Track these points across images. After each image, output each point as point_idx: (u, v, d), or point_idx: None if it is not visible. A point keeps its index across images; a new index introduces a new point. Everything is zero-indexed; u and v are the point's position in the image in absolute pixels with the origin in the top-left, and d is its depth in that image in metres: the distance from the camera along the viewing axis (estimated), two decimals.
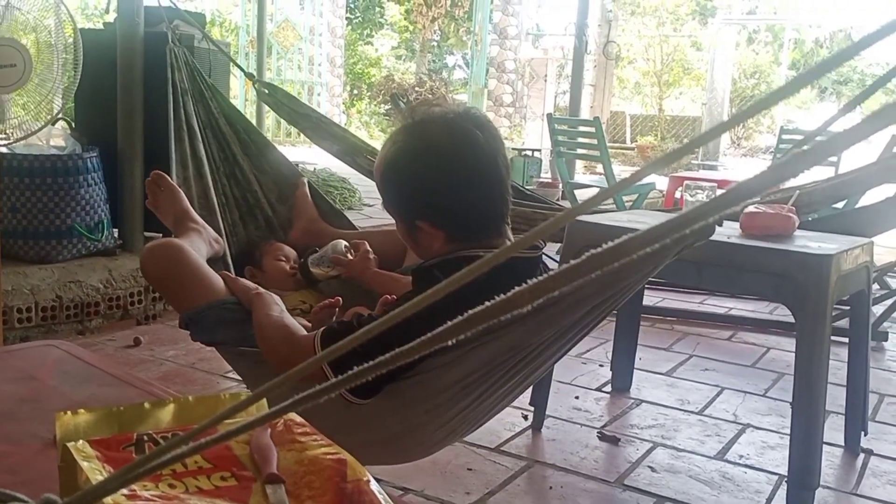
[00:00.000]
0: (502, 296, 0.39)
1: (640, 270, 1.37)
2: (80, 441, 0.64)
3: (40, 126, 3.23)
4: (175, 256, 1.69)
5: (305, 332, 1.52)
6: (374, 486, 0.64)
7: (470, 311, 0.40)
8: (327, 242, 2.06)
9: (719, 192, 0.35)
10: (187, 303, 1.69)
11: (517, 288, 0.39)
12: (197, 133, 2.42)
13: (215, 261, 1.97)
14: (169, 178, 2.04)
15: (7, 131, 3.28)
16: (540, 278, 0.39)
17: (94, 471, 0.61)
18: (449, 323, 0.40)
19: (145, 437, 0.66)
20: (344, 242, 1.99)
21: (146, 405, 0.70)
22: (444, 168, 1.43)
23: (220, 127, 2.48)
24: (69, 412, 0.67)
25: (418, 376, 1.38)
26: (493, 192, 1.46)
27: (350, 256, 1.95)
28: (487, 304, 0.39)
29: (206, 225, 2.01)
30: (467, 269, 0.39)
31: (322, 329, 1.46)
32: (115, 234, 3.32)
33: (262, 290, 1.69)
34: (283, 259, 2.09)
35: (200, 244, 1.89)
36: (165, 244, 1.75)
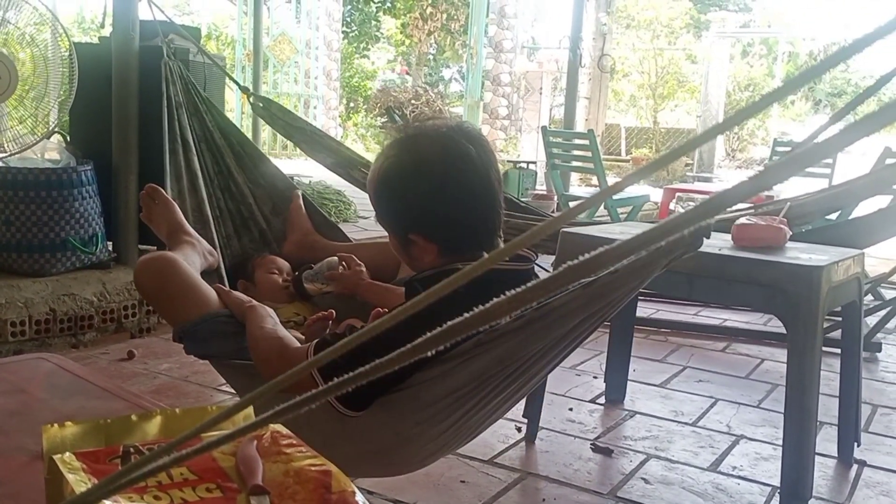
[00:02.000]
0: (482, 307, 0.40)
1: (628, 283, 1.37)
2: (67, 453, 0.64)
3: (36, 140, 3.24)
4: (169, 269, 1.70)
5: (299, 345, 1.53)
6: (359, 497, 0.64)
7: (449, 323, 0.40)
8: (321, 255, 2.06)
9: (701, 202, 0.36)
10: (181, 316, 1.69)
11: (495, 299, 0.40)
12: (191, 146, 2.43)
13: (209, 273, 1.97)
14: (163, 191, 2.05)
15: (4, 145, 3.29)
16: (518, 289, 0.39)
17: (80, 483, 0.61)
18: (429, 334, 0.41)
19: (132, 450, 0.66)
20: (337, 259, 1.99)
21: (133, 417, 0.70)
22: (436, 182, 1.44)
23: (215, 140, 2.49)
24: (56, 425, 0.67)
25: (409, 389, 1.38)
26: (486, 205, 1.46)
27: (342, 270, 1.96)
28: (467, 315, 0.40)
29: (200, 238, 2.02)
30: (447, 280, 0.39)
31: (315, 341, 1.47)
32: (110, 248, 3.32)
33: (255, 302, 1.69)
34: (276, 272, 2.09)
35: (194, 257, 1.89)
36: (159, 257, 1.75)
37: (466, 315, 0.39)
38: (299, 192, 2.38)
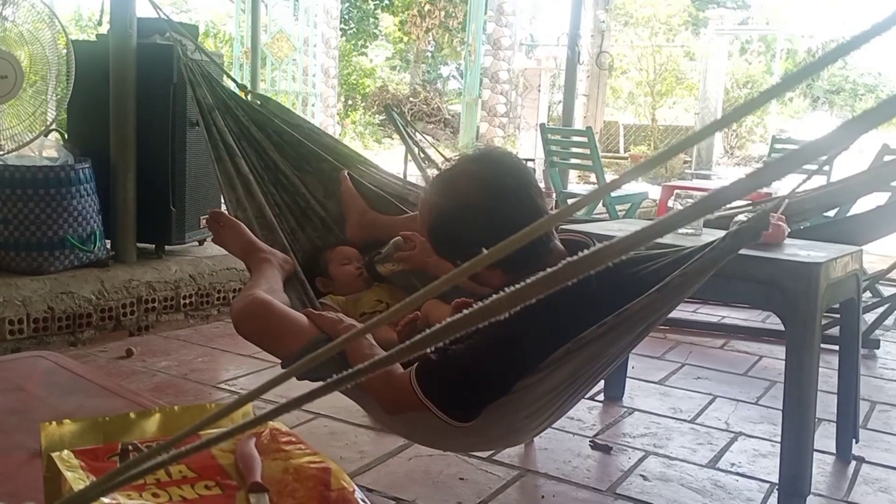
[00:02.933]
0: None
1: (697, 280, 1.46)
2: (65, 451, 0.64)
3: (32, 137, 3.23)
4: (263, 311, 1.75)
5: (401, 371, 1.55)
6: (358, 494, 0.64)
7: (452, 319, 0.41)
8: (382, 232, 2.12)
9: (700, 198, 0.36)
10: (286, 350, 1.73)
11: (495, 296, 0.40)
12: (235, 149, 2.33)
13: (290, 280, 2.00)
14: (226, 214, 2.09)
15: (1, 143, 3.28)
16: (517, 286, 0.39)
17: (78, 480, 0.61)
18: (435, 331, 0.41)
19: (130, 447, 0.66)
20: (402, 239, 2.05)
21: (132, 415, 0.70)
22: (483, 222, 1.54)
23: (253, 134, 2.41)
24: (54, 423, 0.67)
25: (514, 394, 1.48)
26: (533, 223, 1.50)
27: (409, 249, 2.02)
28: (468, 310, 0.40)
29: (273, 249, 2.04)
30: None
31: (415, 367, 1.52)
32: (108, 246, 3.31)
33: (346, 320, 1.73)
34: (348, 262, 2.13)
35: (274, 275, 1.92)
36: (250, 304, 1.78)
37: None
38: (345, 173, 2.35)
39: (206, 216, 2.08)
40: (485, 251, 0.42)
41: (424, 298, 0.42)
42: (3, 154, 3.17)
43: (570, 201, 5.92)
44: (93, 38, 4.06)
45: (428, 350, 0.41)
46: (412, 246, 2.02)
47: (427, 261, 1.98)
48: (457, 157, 1.69)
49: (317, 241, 2.29)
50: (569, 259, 0.38)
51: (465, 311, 0.40)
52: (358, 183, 2.36)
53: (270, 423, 0.70)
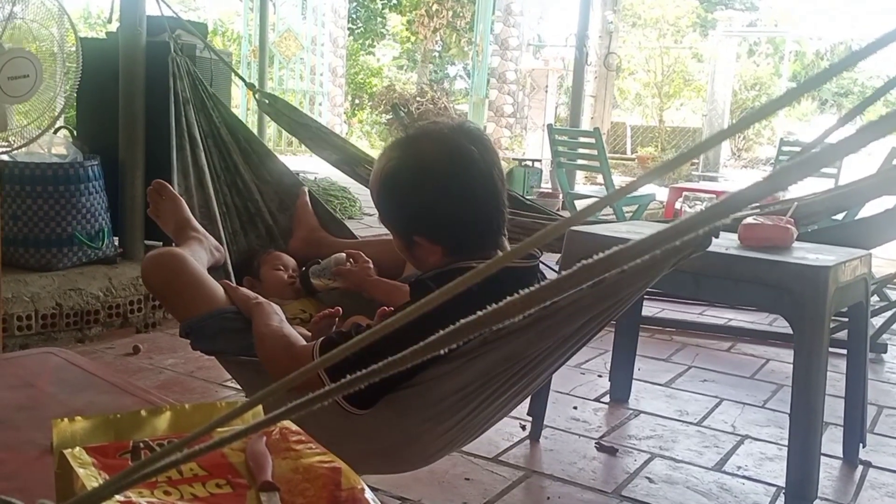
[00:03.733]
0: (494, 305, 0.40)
1: (636, 282, 1.38)
2: (77, 448, 0.64)
3: (39, 133, 3.23)
4: (176, 265, 1.70)
5: (305, 343, 1.53)
6: (368, 494, 0.64)
7: (461, 321, 0.40)
8: (327, 252, 2.06)
9: (716, 202, 0.36)
10: (188, 312, 1.69)
11: (509, 298, 0.40)
12: (198, 142, 2.42)
13: (216, 269, 1.97)
14: (170, 187, 2.05)
15: (9, 139, 3.29)
16: (531, 288, 0.39)
17: (90, 477, 0.61)
18: (441, 332, 0.41)
19: (141, 445, 0.66)
20: (345, 255, 1.99)
21: (143, 413, 0.71)
22: (439, 185, 1.44)
23: (222, 136, 2.50)
24: (66, 419, 0.67)
25: (416, 386, 1.39)
26: (489, 205, 1.47)
27: (350, 266, 1.96)
28: (479, 313, 0.40)
29: (207, 234, 2.02)
30: (460, 279, 0.39)
31: (321, 339, 1.47)
32: (116, 243, 3.32)
33: (262, 299, 1.69)
34: (282, 268, 2.10)
35: (201, 253, 1.90)
36: (166, 253, 1.76)
37: (479, 314, 0.40)
38: (306, 189, 2.38)
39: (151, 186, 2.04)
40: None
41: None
42: (11, 150, 3.18)
43: (577, 202, 5.90)
44: (102, 35, 4.08)
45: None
46: (354, 264, 1.95)
47: (365, 280, 1.91)
48: (427, 123, 1.61)
49: (257, 248, 2.29)
50: (583, 262, 0.38)
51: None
52: (316, 202, 2.36)
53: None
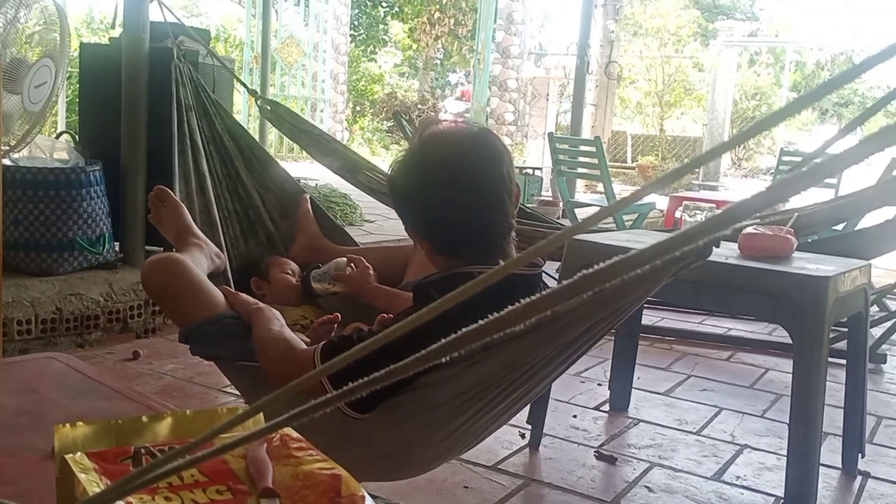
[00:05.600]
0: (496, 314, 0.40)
1: (636, 291, 1.38)
2: (78, 453, 0.65)
3: (33, 135, 3.22)
4: (176, 270, 1.71)
5: (305, 347, 1.53)
6: (368, 501, 0.64)
7: (464, 329, 0.41)
8: (328, 259, 2.06)
9: (717, 212, 0.36)
10: (187, 317, 1.69)
11: (510, 306, 0.40)
12: (200, 149, 2.43)
13: (216, 276, 1.97)
14: (172, 193, 2.06)
15: (11, 143, 3.30)
16: (533, 297, 0.39)
17: (92, 483, 0.61)
18: (443, 340, 0.41)
19: (142, 451, 0.66)
20: (346, 260, 2.00)
21: (144, 419, 0.71)
22: (443, 190, 1.45)
23: (224, 143, 2.50)
24: (68, 424, 0.68)
25: (415, 392, 1.39)
26: (494, 212, 1.47)
27: (350, 271, 1.97)
28: (481, 321, 0.40)
29: (208, 240, 2.02)
30: (462, 288, 0.39)
31: (322, 343, 1.47)
32: (117, 248, 3.32)
33: (261, 304, 1.69)
34: (290, 273, 2.11)
35: (202, 259, 1.90)
36: (166, 258, 1.76)
37: (481, 322, 0.40)
38: (307, 196, 2.39)
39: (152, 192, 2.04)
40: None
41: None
42: (6, 151, 3.18)
43: (577, 210, 5.89)
44: (104, 40, 4.09)
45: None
46: (355, 269, 1.95)
47: (365, 286, 1.91)
48: (461, 120, 1.64)
49: (257, 255, 2.30)
50: (584, 272, 0.38)
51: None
52: (317, 210, 2.37)
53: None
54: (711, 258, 1.51)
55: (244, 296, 1.76)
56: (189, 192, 2.27)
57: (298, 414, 0.43)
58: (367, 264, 1.95)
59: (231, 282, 2.04)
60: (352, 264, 1.97)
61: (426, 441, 1.45)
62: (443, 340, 0.40)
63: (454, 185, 1.45)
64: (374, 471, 1.55)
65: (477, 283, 0.39)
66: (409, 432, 1.43)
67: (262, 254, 2.29)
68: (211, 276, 1.88)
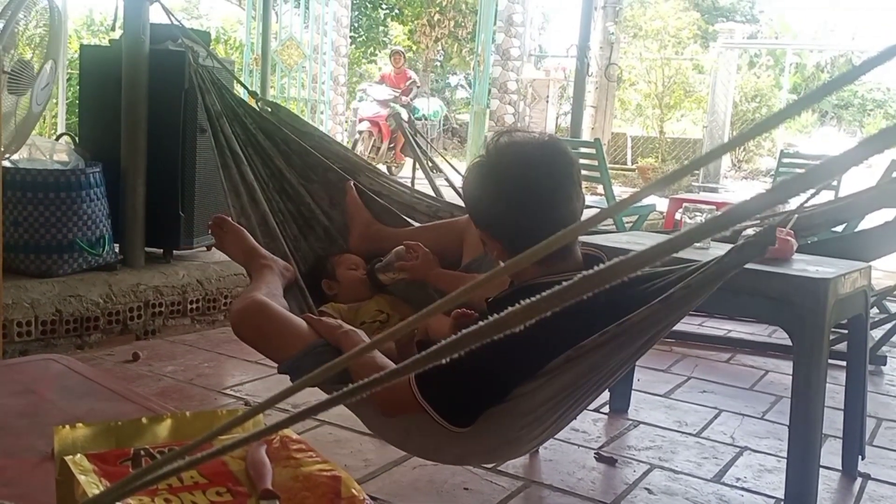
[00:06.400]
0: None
1: (700, 294, 1.45)
2: (78, 455, 0.65)
3: (28, 134, 3.22)
4: (261, 315, 1.75)
5: (395, 367, 1.55)
6: (369, 503, 0.64)
7: (468, 330, 0.41)
8: (387, 244, 2.14)
9: (718, 214, 0.36)
10: (282, 354, 1.73)
11: (510, 308, 0.40)
12: (241, 157, 2.36)
13: (290, 288, 2.01)
14: (229, 220, 2.09)
15: (11, 146, 3.30)
16: (532, 300, 0.40)
17: (91, 484, 0.61)
18: (442, 341, 0.41)
19: (142, 452, 0.66)
20: (405, 248, 2.06)
21: (144, 420, 0.71)
22: (518, 194, 1.53)
23: (260, 142, 2.44)
24: (67, 426, 0.68)
25: (510, 401, 1.47)
26: (557, 217, 1.53)
27: (412, 259, 2.04)
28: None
29: (274, 256, 2.05)
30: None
31: (413, 375, 1.50)
32: (116, 250, 3.32)
33: (346, 326, 1.73)
34: (355, 268, 2.16)
35: (274, 280, 1.93)
36: (248, 306, 1.79)
37: (481, 324, 0.40)
38: (352, 183, 2.37)
39: (211, 221, 2.09)
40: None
41: (427, 317, 0.42)
42: (4, 152, 3.18)
43: None
44: (105, 42, 4.09)
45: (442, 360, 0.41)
46: (414, 256, 2.04)
47: (428, 272, 2.00)
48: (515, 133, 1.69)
49: (319, 251, 2.31)
50: (584, 273, 0.38)
51: (482, 323, 0.40)
52: (363, 194, 2.37)
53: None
54: (710, 260, 1.52)
55: (326, 320, 1.79)
56: (243, 206, 2.23)
57: (295, 416, 0.43)
58: (426, 249, 2.02)
59: (304, 289, 2.07)
60: (411, 251, 2.04)
61: (525, 437, 1.55)
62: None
63: (528, 190, 1.53)
64: (478, 460, 1.72)
65: (553, 295, 0.40)
66: (510, 433, 1.52)
67: (324, 250, 2.30)
68: (285, 290, 1.94)
